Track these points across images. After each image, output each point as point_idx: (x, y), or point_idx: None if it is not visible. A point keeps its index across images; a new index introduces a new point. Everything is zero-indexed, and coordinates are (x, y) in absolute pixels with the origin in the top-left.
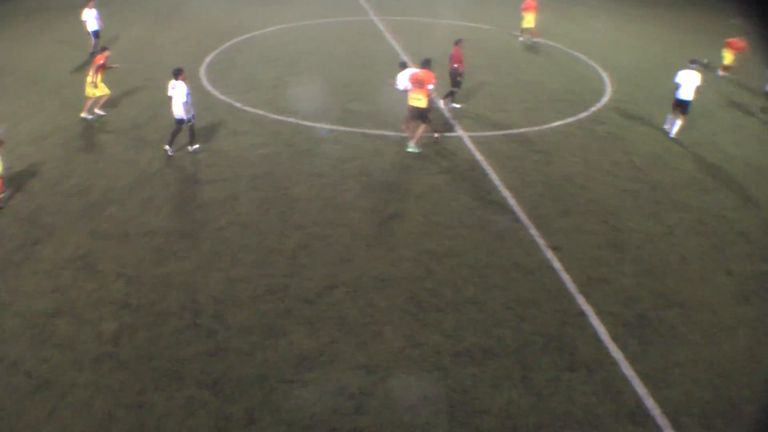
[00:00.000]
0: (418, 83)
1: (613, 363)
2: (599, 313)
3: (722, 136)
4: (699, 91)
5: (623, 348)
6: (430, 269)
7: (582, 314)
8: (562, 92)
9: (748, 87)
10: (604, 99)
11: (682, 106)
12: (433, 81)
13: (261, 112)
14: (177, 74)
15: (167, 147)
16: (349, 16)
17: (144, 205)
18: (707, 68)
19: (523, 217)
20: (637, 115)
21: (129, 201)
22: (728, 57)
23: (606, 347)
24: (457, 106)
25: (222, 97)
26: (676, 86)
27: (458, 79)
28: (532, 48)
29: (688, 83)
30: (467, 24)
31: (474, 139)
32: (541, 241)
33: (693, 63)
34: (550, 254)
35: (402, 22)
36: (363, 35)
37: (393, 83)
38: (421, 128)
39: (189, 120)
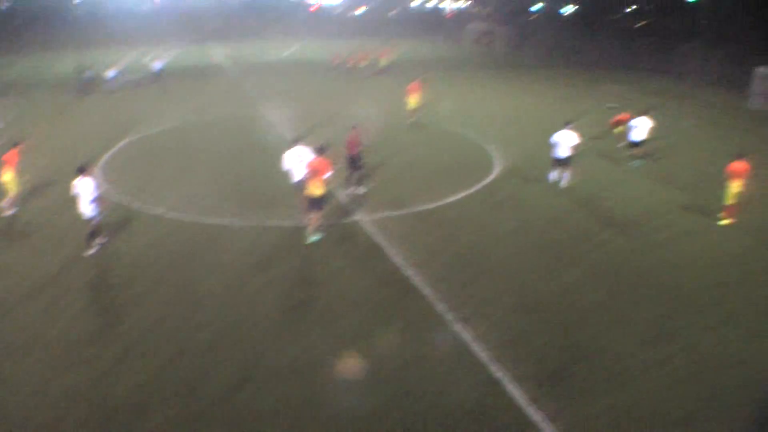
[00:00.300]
0: (314, 172)
1: (534, 426)
2: (514, 377)
3: (607, 192)
4: (576, 148)
5: (542, 408)
6: (340, 354)
7: (498, 382)
8: (453, 167)
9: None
10: (495, 169)
11: (562, 162)
12: (330, 169)
13: (160, 210)
14: (82, 171)
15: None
16: (242, 109)
17: (45, 312)
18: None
19: (428, 292)
20: (526, 181)
21: (28, 308)
22: (619, 130)
23: (525, 411)
24: (363, 189)
25: (120, 197)
26: (554, 146)
27: (359, 163)
28: (420, 127)
29: (565, 142)
30: (356, 107)
31: (373, 222)
32: (449, 315)
33: (567, 125)
34: (459, 327)
35: (294, 113)
36: (256, 128)
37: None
38: (317, 216)
39: (94, 218)
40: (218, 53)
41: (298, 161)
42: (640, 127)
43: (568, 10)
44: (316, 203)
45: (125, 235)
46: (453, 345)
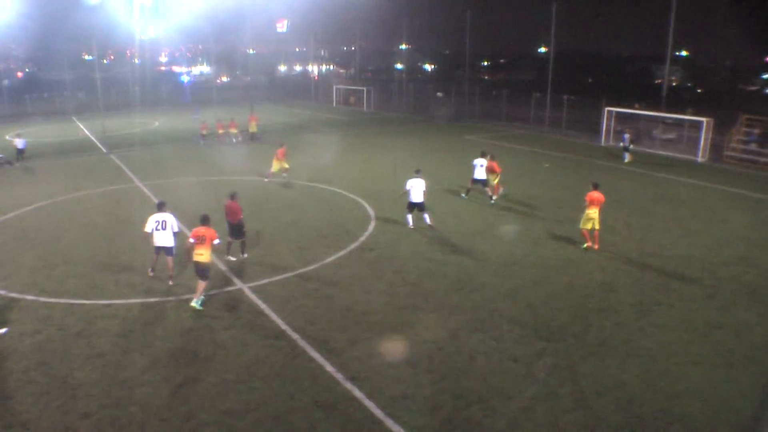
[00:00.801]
0: (200, 239)
1: None
2: (409, 429)
3: (475, 238)
4: (426, 193)
5: None
6: (232, 430)
7: None
8: (328, 227)
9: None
10: (370, 226)
11: (418, 207)
12: (216, 236)
13: (28, 297)
14: None
15: None
16: (112, 185)
17: None
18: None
19: (315, 355)
20: (401, 236)
21: None
22: (493, 178)
23: None
24: (246, 255)
25: None
26: (407, 192)
27: (242, 230)
28: (291, 189)
29: (417, 188)
30: (225, 177)
31: (253, 289)
32: (338, 375)
33: (418, 172)
34: (349, 385)
35: (167, 185)
36: (127, 202)
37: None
38: (203, 284)
39: None
40: (84, 128)
41: (159, 225)
42: (479, 168)
43: (427, 68)
44: (203, 270)
45: None
46: (344, 404)
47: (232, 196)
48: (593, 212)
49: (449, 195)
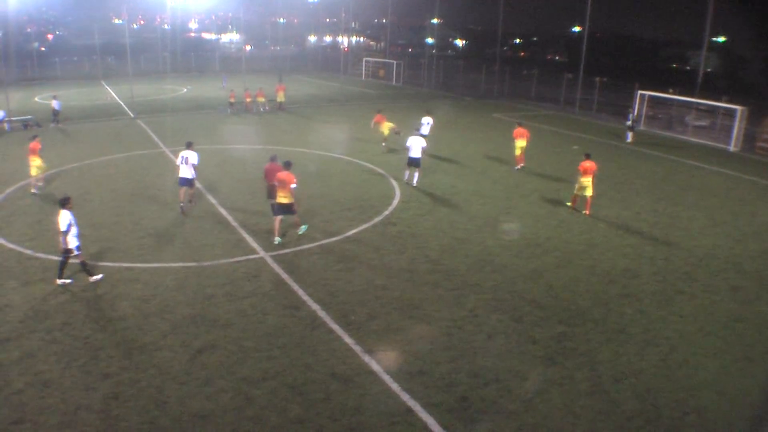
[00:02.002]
0: (282, 183)
1: None
2: (425, 405)
3: (500, 218)
4: (425, 151)
5: None
6: (249, 397)
7: (409, 410)
8: (352, 200)
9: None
10: (394, 201)
11: (414, 163)
12: (295, 181)
13: (54, 258)
14: (64, 203)
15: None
16: (139, 150)
17: None
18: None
19: (335, 327)
20: (424, 211)
21: None
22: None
23: None
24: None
25: (10, 246)
26: (407, 149)
27: None
28: (316, 161)
29: (416, 145)
30: (252, 147)
31: (276, 258)
32: (357, 348)
33: (417, 130)
34: (367, 358)
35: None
36: (153, 167)
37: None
38: (296, 219)
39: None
40: (112, 93)
41: (182, 160)
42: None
43: (458, 43)
44: (288, 208)
45: (17, 285)
46: (361, 377)
47: (273, 159)
48: (586, 181)
49: (475, 173)
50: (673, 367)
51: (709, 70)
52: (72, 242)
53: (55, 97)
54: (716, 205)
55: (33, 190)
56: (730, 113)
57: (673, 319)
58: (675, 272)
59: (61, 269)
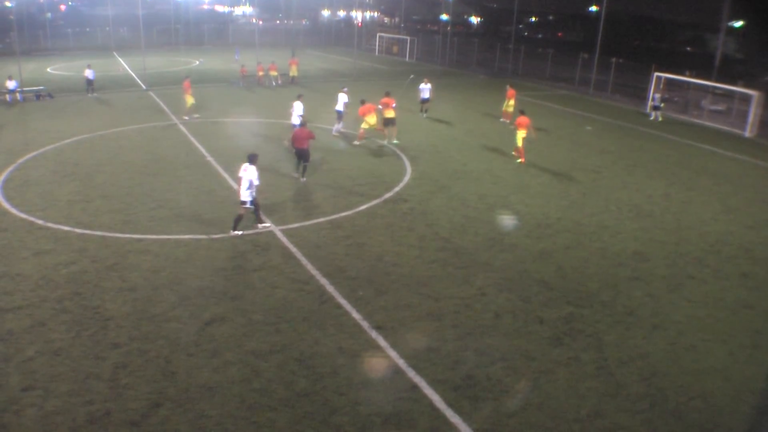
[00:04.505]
0: (386, 104)
1: (453, 427)
2: (430, 382)
3: (512, 197)
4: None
5: (459, 411)
6: (256, 369)
7: (415, 387)
8: (364, 176)
9: (540, 152)
10: (406, 178)
11: (424, 102)
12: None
13: (65, 228)
14: (251, 159)
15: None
16: (151, 122)
17: None
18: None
19: (343, 302)
20: (434, 189)
21: None
22: (510, 104)
23: (443, 414)
24: (304, 179)
25: (21, 215)
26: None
27: (308, 155)
28: (328, 136)
29: (425, 89)
30: (264, 120)
31: (285, 232)
32: (364, 323)
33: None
34: (374, 334)
35: (204, 124)
36: (165, 139)
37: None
38: (394, 130)
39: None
40: (125, 64)
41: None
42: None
43: (473, 20)
44: (391, 121)
45: (29, 255)
46: (368, 352)
47: (303, 124)
48: (521, 133)
49: (487, 152)
50: (680, 351)
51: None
52: (248, 196)
53: (89, 67)
54: (730, 191)
55: (185, 117)
56: (747, 98)
57: (682, 304)
58: (685, 257)
59: (258, 215)
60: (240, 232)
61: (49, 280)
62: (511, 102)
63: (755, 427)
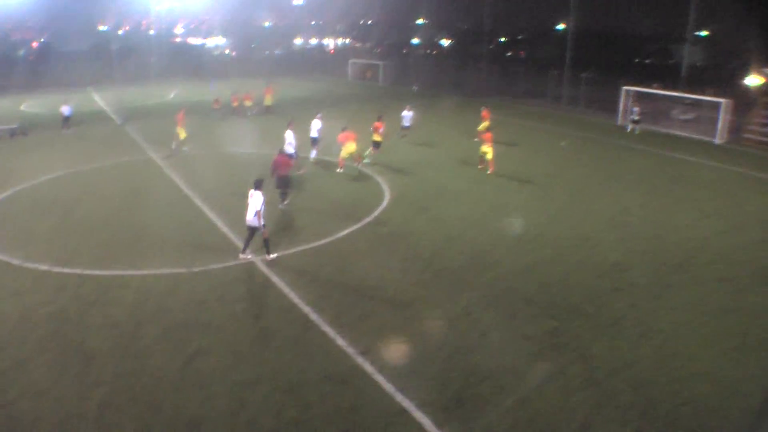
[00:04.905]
0: (375, 128)
1: None
2: (419, 405)
3: (490, 215)
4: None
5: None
6: (243, 401)
7: (403, 411)
8: (343, 201)
9: (512, 165)
10: (385, 201)
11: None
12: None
13: (43, 267)
14: (257, 185)
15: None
16: (126, 156)
17: None
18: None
19: (327, 329)
20: (414, 211)
21: None
22: (484, 124)
23: None
24: (285, 203)
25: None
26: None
27: (288, 182)
28: (304, 163)
29: (407, 116)
30: (240, 150)
31: (266, 262)
32: (350, 349)
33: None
34: (360, 359)
35: (181, 157)
36: (141, 174)
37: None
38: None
39: (261, 228)
40: (99, 99)
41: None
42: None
43: (445, 43)
44: (377, 144)
45: (6, 295)
46: (355, 378)
47: (281, 151)
48: (486, 146)
49: (465, 171)
50: (666, 358)
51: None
52: (256, 222)
53: (65, 103)
54: (704, 197)
55: (173, 148)
56: (715, 106)
57: (665, 312)
58: (665, 265)
59: (267, 245)
60: (275, 255)
61: (29, 320)
62: (486, 123)
63: (755, 427)
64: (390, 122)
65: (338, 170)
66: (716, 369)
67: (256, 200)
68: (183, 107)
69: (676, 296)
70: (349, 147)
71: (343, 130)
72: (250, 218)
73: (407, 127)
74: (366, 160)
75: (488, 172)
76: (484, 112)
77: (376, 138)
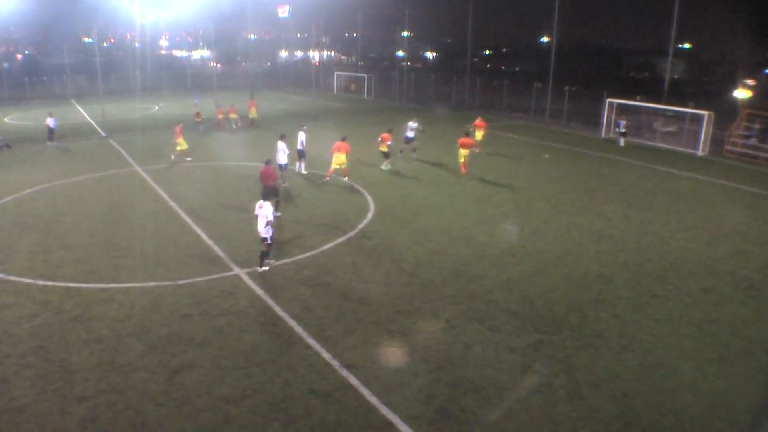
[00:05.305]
0: (383, 139)
1: None
2: (404, 418)
3: (474, 229)
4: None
5: None
6: (228, 416)
7: (389, 424)
8: (327, 215)
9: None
10: (369, 214)
11: (410, 142)
12: (389, 138)
13: (26, 281)
14: (265, 197)
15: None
16: (111, 169)
17: None
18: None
19: (312, 342)
20: (398, 224)
21: None
22: (479, 134)
23: None
24: (278, 214)
25: None
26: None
27: (278, 191)
28: (289, 177)
29: (411, 127)
30: (225, 163)
31: (251, 275)
32: (334, 363)
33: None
34: (345, 373)
35: (166, 170)
36: (126, 187)
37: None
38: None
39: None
40: (83, 112)
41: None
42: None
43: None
44: (386, 155)
45: None
46: (339, 392)
47: (268, 162)
48: (463, 152)
49: (448, 184)
50: (650, 370)
51: (676, 76)
52: (266, 232)
53: (50, 115)
54: (686, 209)
55: (172, 158)
56: (697, 119)
57: (648, 323)
58: (648, 276)
59: (263, 257)
60: (266, 268)
61: (12, 335)
62: (481, 132)
63: (755, 427)
64: (373, 138)
65: (326, 179)
66: (699, 380)
67: (266, 211)
68: (181, 121)
69: (658, 308)
70: (340, 158)
71: (343, 139)
72: (261, 229)
73: (412, 139)
74: (386, 167)
75: (461, 170)
76: (478, 122)
77: (383, 149)
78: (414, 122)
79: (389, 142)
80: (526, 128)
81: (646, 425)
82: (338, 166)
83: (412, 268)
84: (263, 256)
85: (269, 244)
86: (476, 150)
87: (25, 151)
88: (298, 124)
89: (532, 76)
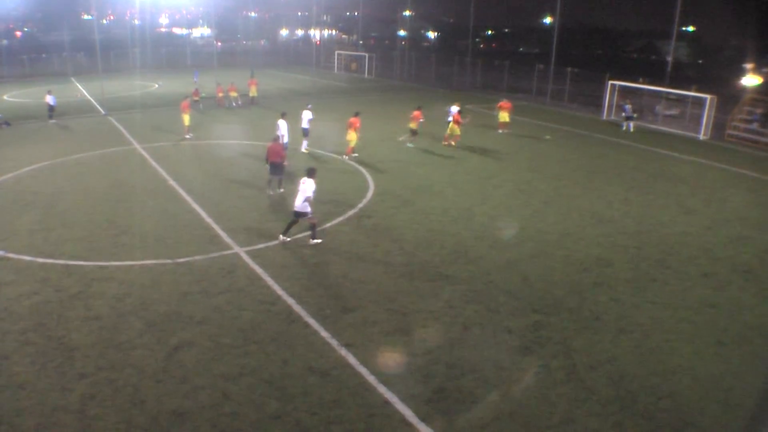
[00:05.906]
0: (415, 117)
1: None
2: (402, 397)
3: (475, 209)
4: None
5: (431, 425)
6: (226, 393)
7: (387, 402)
8: (326, 194)
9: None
10: (369, 194)
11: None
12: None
13: (26, 258)
14: (311, 173)
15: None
16: (111, 147)
17: None
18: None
19: (311, 321)
20: (397, 204)
21: None
22: (503, 116)
23: (416, 428)
24: (281, 190)
25: None
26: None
27: (283, 168)
28: (289, 156)
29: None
30: (225, 141)
31: (250, 253)
32: (333, 342)
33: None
34: (344, 352)
35: (166, 148)
36: (125, 164)
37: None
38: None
39: (308, 215)
40: (83, 89)
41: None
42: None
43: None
44: (414, 131)
45: None
46: (338, 370)
47: (275, 139)
48: (350, 134)
49: (449, 165)
50: (647, 353)
51: (679, 59)
52: (305, 207)
53: (49, 92)
54: (687, 193)
55: (187, 136)
56: (699, 102)
57: (647, 306)
58: (647, 260)
59: (314, 230)
60: (319, 240)
61: (12, 311)
62: (505, 113)
63: (754, 427)
64: (374, 117)
65: (344, 157)
66: (696, 363)
67: (307, 187)
68: (187, 97)
69: (657, 291)
70: (350, 135)
71: (356, 115)
72: (299, 204)
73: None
74: (410, 144)
75: (449, 143)
76: (503, 103)
77: (413, 126)
78: (456, 106)
79: (422, 120)
80: (527, 109)
81: (642, 408)
82: (350, 142)
83: (411, 248)
84: (313, 228)
85: (313, 222)
86: (506, 131)
87: (24, 128)
88: (298, 102)
89: (534, 57)
